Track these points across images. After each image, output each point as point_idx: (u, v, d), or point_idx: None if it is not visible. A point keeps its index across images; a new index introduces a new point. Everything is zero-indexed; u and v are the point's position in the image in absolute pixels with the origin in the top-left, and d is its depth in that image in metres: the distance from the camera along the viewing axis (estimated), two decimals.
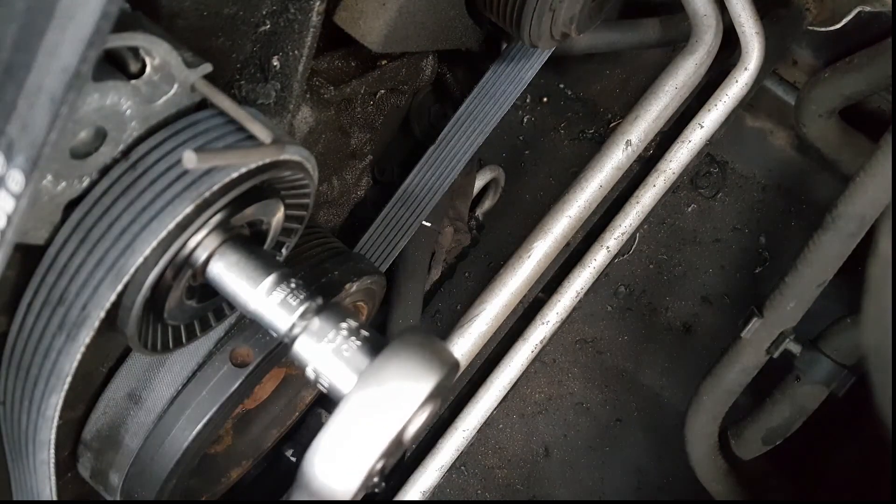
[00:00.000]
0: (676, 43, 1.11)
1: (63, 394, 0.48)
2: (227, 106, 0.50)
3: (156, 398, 0.65)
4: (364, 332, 0.50)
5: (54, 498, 0.54)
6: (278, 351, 0.67)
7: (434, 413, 0.50)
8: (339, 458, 0.46)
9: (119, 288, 0.47)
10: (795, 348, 0.95)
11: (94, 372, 0.65)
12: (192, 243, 0.50)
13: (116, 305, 0.49)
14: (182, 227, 0.48)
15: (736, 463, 1.05)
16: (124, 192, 0.48)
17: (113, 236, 0.47)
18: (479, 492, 1.21)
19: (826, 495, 1.08)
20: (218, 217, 0.50)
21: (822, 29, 1.09)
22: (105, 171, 0.49)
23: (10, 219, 0.44)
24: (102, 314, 0.47)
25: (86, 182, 0.49)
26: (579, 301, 1.05)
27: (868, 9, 1.04)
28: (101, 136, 0.49)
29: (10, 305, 0.51)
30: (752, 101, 1.12)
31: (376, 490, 0.48)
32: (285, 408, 0.87)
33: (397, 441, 0.47)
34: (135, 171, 0.48)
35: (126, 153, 0.50)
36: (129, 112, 0.49)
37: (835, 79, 1.04)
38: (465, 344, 0.99)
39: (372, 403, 0.46)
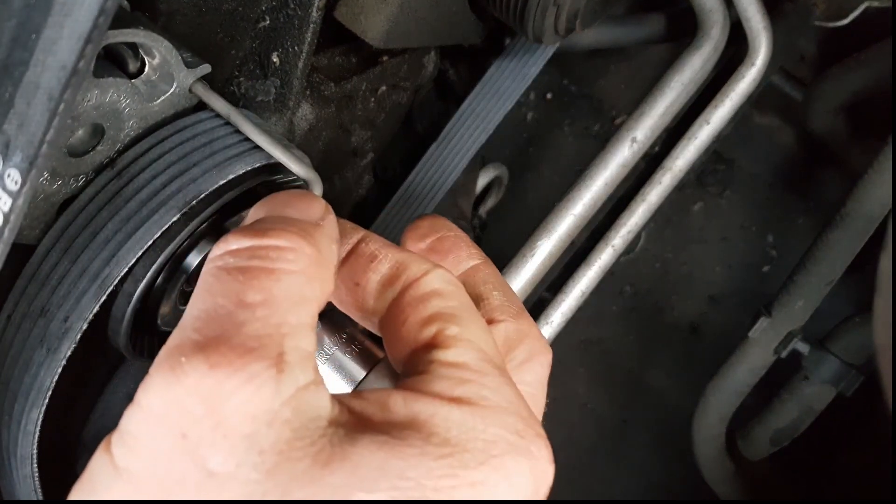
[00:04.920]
0: (682, 38, 1.10)
1: (44, 409, 0.47)
2: (248, 130, 0.49)
3: None
4: (363, 341, 0.50)
5: None
6: None
7: None
8: None
9: (102, 299, 0.46)
10: (804, 348, 0.94)
11: (92, 372, 0.65)
12: (184, 249, 0.49)
13: (105, 315, 0.48)
14: (170, 236, 0.47)
15: (743, 464, 1.04)
16: (110, 201, 0.47)
17: (97, 246, 0.46)
18: None
19: (834, 496, 1.07)
20: (212, 220, 0.49)
21: (830, 24, 1.08)
22: (101, 169, 0.49)
23: (7, 218, 0.43)
24: (85, 326, 0.46)
25: (82, 181, 0.49)
26: (584, 300, 1.04)
27: (875, 4, 1.03)
28: (98, 134, 0.49)
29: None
30: (759, 98, 1.10)
31: None
32: None
33: None
34: (120, 178, 0.48)
35: (122, 152, 0.49)
36: (127, 110, 0.49)
37: (842, 75, 1.03)
38: None
39: None
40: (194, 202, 0.46)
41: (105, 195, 0.47)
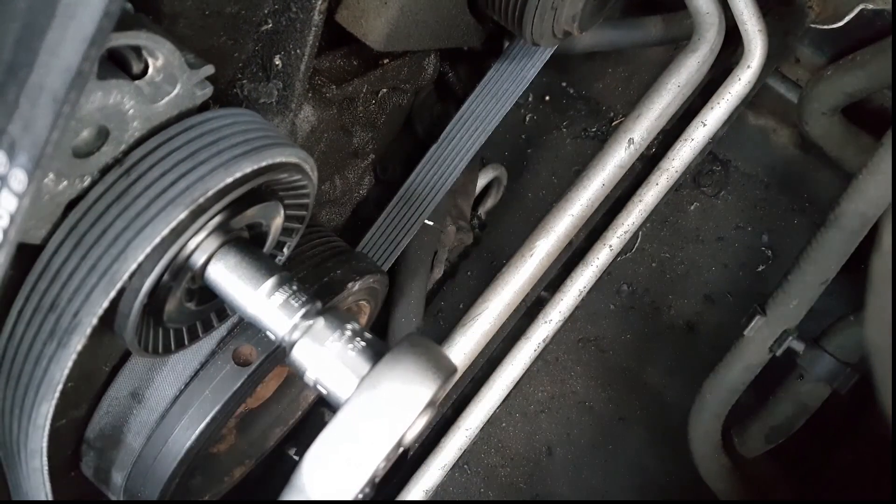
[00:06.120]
0: (679, 41, 1.10)
1: (54, 402, 0.48)
2: None
3: (158, 397, 0.65)
4: (366, 337, 0.50)
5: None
6: (281, 350, 0.67)
7: (431, 419, 0.49)
8: (339, 463, 0.45)
9: (112, 294, 0.46)
10: (798, 346, 0.95)
11: (96, 371, 0.65)
12: (190, 246, 0.50)
13: (113, 311, 0.49)
14: (177, 232, 0.47)
15: (739, 461, 1.05)
16: (119, 198, 0.48)
17: (106, 242, 0.47)
18: (482, 490, 1.21)
19: (829, 493, 1.08)
20: (216, 220, 0.49)
21: (825, 27, 1.09)
22: (106, 170, 0.49)
23: (12, 218, 0.44)
24: (95, 321, 0.47)
25: (87, 181, 0.49)
26: (582, 299, 1.04)
27: (870, 6, 1.04)
28: (103, 136, 0.49)
29: (5, 305, 0.51)
30: (754, 100, 1.11)
31: (364, 498, 0.48)
32: (288, 406, 0.87)
33: (396, 448, 0.46)
34: (129, 176, 0.48)
35: (127, 153, 0.50)
36: (131, 112, 0.49)
37: (837, 76, 1.04)
38: (467, 342, 0.99)
39: (373, 408, 0.46)
40: (202, 199, 0.47)
41: (114, 192, 0.48)
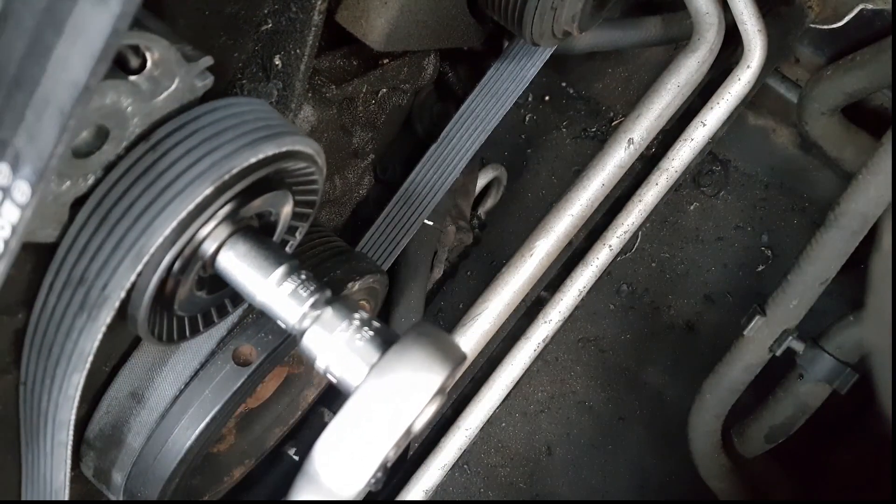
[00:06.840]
0: (679, 41, 1.11)
1: (85, 373, 0.49)
2: None
3: (158, 397, 0.65)
4: (374, 326, 0.51)
5: (68, 480, 0.55)
6: (281, 349, 0.67)
7: (440, 408, 0.50)
8: (350, 449, 0.46)
9: (139, 268, 0.47)
10: (798, 346, 0.95)
11: (96, 371, 0.65)
12: (201, 234, 0.50)
13: (131, 289, 0.49)
14: (200, 208, 0.48)
15: (739, 461, 1.05)
16: (144, 173, 0.48)
17: (133, 217, 0.47)
18: (482, 490, 1.21)
19: (829, 493, 1.08)
20: (228, 207, 0.50)
21: (825, 27, 1.09)
22: (109, 168, 0.49)
23: (14, 229, 0.44)
24: (123, 294, 0.47)
25: (91, 180, 0.49)
26: (581, 299, 1.04)
27: (870, 6, 1.04)
28: (103, 135, 0.49)
29: (23, 302, 0.51)
30: (754, 100, 1.11)
31: (373, 488, 0.48)
32: (288, 406, 0.88)
33: (407, 434, 0.47)
34: (155, 152, 0.48)
35: (129, 149, 0.50)
36: (129, 109, 0.49)
37: (837, 76, 1.04)
38: (467, 342, 0.99)
39: (384, 395, 0.46)
40: (227, 176, 0.47)
41: (140, 168, 0.48)
